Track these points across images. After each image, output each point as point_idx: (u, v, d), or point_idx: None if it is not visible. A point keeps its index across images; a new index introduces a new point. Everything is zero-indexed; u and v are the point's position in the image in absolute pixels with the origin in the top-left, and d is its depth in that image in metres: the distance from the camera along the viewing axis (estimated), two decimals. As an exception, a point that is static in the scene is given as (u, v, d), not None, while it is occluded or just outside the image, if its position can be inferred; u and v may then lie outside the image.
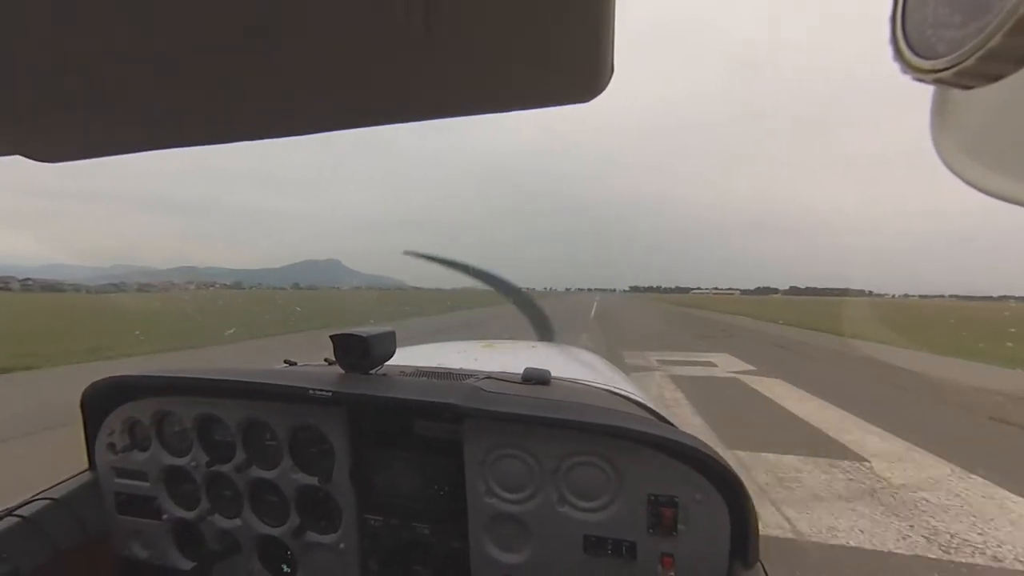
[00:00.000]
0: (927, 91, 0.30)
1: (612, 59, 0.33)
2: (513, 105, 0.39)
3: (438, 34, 0.29)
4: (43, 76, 0.35)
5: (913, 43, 0.26)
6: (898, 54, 0.27)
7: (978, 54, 0.22)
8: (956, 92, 0.28)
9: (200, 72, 0.34)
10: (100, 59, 0.32)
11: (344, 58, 0.33)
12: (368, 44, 0.31)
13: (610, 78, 0.35)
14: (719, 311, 34.93)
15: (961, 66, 0.23)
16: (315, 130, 0.44)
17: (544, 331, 2.96)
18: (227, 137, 0.45)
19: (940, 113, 0.30)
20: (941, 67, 0.24)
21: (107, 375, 1.16)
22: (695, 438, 0.88)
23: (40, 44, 0.31)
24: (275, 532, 1.11)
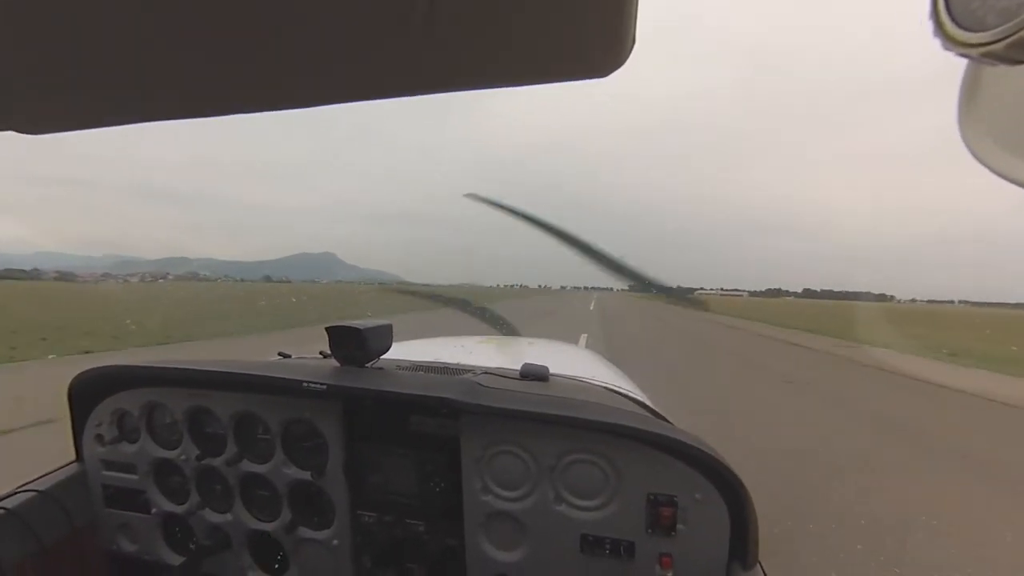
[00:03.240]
0: (951, 87, 0.30)
1: (635, 29, 0.32)
2: (528, 78, 0.38)
3: (450, 2, 0.29)
4: (32, 47, 0.35)
5: (957, 16, 0.26)
6: (939, 28, 0.27)
7: None
8: (989, 75, 0.28)
9: (196, 41, 0.34)
10: (92, 28, 0.32)
11: (352, 27, 0.32)
12: (376, 13, 0.31)
13: (631, 50, 0.34)
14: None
15: (1015, 36, 0.22)
16: (320, 102, 0.43)
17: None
18: (224, 109, 0.45)
19: (970, 98, 0.30)
20: (991, 40, 0.24)
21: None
22: (695, 437, 0.91)
23: (26, 15, 0.31)
24: (267, 527, 1.14)
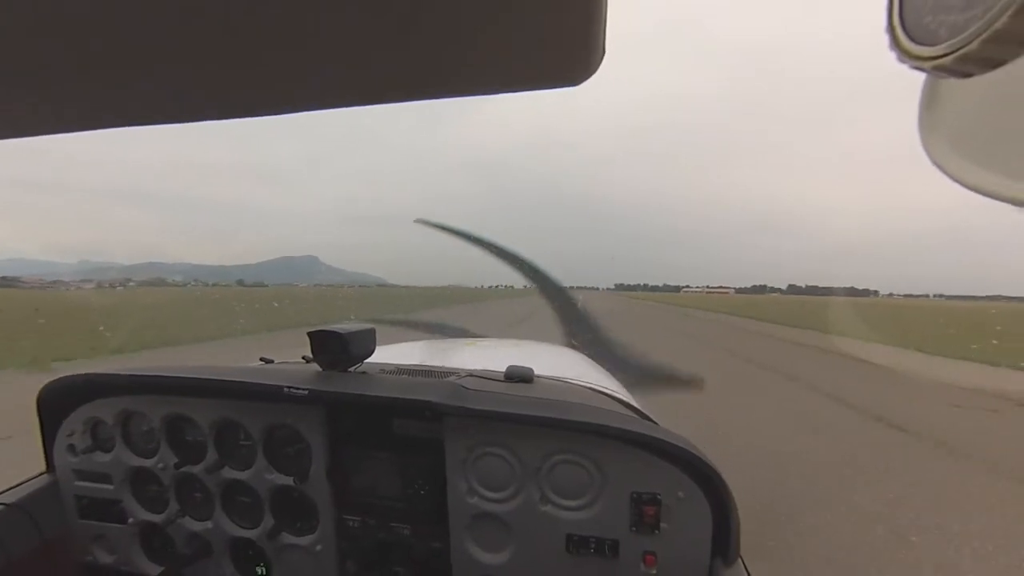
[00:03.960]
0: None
1: (604, 39, 0.33)
2: (499, 86, 0.39)
3: (420, 9, 0.29)
4: None
5: (911, 30, 0.27)
6: (895, 42, 0.28)
7: (982, 37, 0.22)
8: (945, 86, 0.30)
9: (157, 45, 0.32)
10: (56, 25, 0.30)
11: (322, 35, 0.32)
12: (346, 20, 0.30)
13: (602, 58, 0.35)
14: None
15: (963, 51, 0.23)
16: (286, 110, 0.43)
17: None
18: (184, 116, 0.44)
19: (929, 107, 0.31)
20: (941, 53, 0.25)
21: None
22: (678, 436, 0.93)
23: None
24: (248, 534, 1.14)
